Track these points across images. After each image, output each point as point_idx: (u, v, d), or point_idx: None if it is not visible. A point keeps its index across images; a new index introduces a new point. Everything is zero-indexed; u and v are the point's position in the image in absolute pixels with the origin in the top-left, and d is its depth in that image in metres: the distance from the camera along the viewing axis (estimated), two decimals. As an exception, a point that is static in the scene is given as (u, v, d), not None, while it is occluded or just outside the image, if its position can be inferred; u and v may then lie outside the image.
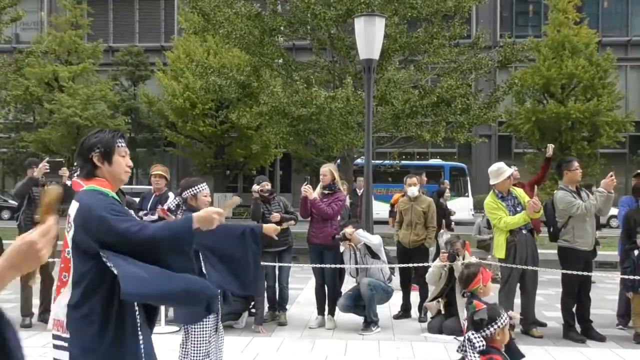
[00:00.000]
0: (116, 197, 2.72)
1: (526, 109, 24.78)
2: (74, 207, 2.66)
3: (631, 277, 6.52)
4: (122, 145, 2.81)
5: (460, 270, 6.69)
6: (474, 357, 3.30)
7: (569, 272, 6.53)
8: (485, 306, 3.56)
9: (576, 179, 6.77)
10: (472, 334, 3.35)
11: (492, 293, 4.14)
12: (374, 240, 6.99)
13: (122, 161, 2.79)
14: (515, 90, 19.03)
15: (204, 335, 4.03)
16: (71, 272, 2.59)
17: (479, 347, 3.30)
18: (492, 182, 6.75)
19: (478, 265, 4.13)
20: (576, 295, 6.65)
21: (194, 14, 17.00)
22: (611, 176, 6.36)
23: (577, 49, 24.16)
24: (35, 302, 7.15)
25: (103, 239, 2.50)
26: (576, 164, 6.81)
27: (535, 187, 7.56)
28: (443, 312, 6.92)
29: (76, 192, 2.75)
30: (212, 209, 2.71)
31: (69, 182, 7.54)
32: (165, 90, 25.52)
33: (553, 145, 8.19)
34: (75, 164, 3.11)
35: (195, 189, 4.33)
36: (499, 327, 3.36)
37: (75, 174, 2.85)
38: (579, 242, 6.60)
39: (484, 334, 3.34)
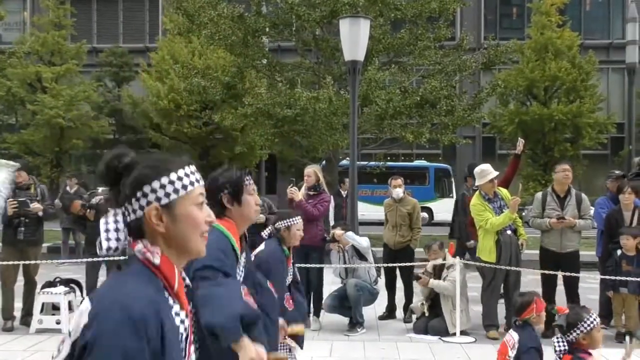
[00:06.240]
0: (234, 245, 2.59)
1: (510, 111, 24.95)
2: None
3: (612, 277, 6.59)
4: (250, 183, 2.70)
5: (438, 284, 6.73)
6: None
7: (543, 271, 6.61)
8: (567, 311, 3.41)
9: (559, 181, 6.78)
10: (556, 338, 3.33)
11: (542, 325, 4.04)
12: (363, 242, 7.02)
13: (252, 200, 2.69)
14: (499, 91, 19.15)
15: None
16: None
17: (559, 350, 3.27)
18: (476, 184, 6.80)
19: (532, 294, 3.98)
20: (553, 294, 6.72)
21: (178, 15, 16.90)
22: (560, 220, 6.47)
23: (560, 51, 24.39)
24: (18, 305, 7.06)
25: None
26: (560, 166, 6.81)
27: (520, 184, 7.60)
28: (427, 314, 6.96)
29: None
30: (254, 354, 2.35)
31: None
32: (149, 92, 25.32)
33: (523, 141, 7.74)
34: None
35: (289, 222, 4.18)
36: (582, 332, 3.25)
37: None
38: (545, 241, 6.77)
39: (568, 338, 3.29)
